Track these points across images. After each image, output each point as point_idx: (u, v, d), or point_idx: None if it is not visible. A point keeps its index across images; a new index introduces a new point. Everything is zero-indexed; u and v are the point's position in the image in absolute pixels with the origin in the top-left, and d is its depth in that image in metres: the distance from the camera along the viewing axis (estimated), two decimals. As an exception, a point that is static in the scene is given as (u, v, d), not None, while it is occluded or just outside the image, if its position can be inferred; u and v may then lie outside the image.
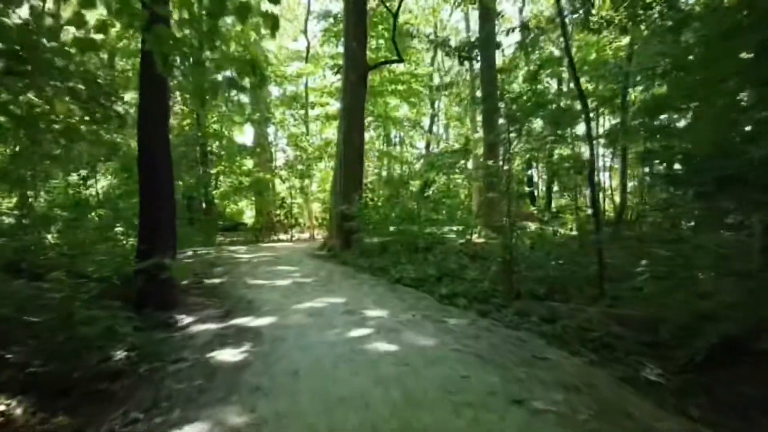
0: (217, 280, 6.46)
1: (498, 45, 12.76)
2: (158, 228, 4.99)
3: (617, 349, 3.78)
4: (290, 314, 4.54)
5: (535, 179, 19.82)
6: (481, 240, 9.73)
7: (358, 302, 5.07)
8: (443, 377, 2.91)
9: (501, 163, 6.76)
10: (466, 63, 17.55)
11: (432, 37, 13.70)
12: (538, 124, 7.41)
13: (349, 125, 10.29)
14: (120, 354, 3.57)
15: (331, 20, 16.94)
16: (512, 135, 6.04)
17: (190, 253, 9.03)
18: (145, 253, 4.72)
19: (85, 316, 3.30)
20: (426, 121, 21.91)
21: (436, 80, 20.34)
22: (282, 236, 16.36)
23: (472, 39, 11.80)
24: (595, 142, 8.12)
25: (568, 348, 3.81)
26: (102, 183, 12.36)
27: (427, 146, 21.69)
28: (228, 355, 3.41)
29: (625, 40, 11.22)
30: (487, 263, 7.63)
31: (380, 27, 16.02)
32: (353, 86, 10.22)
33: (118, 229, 8.26)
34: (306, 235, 17.33)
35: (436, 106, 22.44)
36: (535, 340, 3.93)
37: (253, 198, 18.18)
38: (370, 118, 16.81)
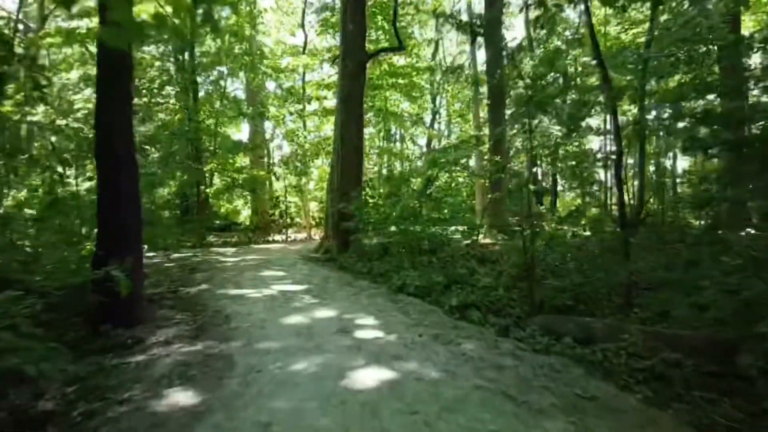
0: (194, 289, 5.69)
1: (502, 39, 12.06)
2: (119, 230, 4.24)
3: (675, 382, 3.04)
4: (272, 334, 3.78)
5: (539, 177, 19.07)
6: (488, 241, 9.01)
7: (355, 317, 4.32)
8: (466, 433, 2.17)
9: (518, 154, 5.99)
10: (469, 55, 16.88)
11: (438, 14, 12.92)
12: (546, 120, 6.68)
13: (346, 117, 9.51)
14: (55, 390, 2.87)
15: (329, 12, 16.19)
16: (531, 123, 5.28)
17: (172, 256, 8.28)
18: (102, 260, 3.96)
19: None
20: (427, 118, 21.18)
21: (439, 77, 19.55)
22: (277, 236, 15.57)
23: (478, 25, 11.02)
24: (610, 135, 7.39)
25: (614, 380, 3.07)
26: (91, 181, 11.59)
27: (429, 143, 20.96)
28: (185, 395, 2.66)
29: (644, 26, 10.46)
30: (498, 267, 6.92)
31: (379, 17, 15.26)
32: (351, 75, 9.44)
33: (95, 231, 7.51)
34: (302, 235, 16.56)
35: (437, 101, 21.67)
36: (571, 368, 3.18)
37: (248, 196, 17.40)
38: (369, 114, 16.05)
